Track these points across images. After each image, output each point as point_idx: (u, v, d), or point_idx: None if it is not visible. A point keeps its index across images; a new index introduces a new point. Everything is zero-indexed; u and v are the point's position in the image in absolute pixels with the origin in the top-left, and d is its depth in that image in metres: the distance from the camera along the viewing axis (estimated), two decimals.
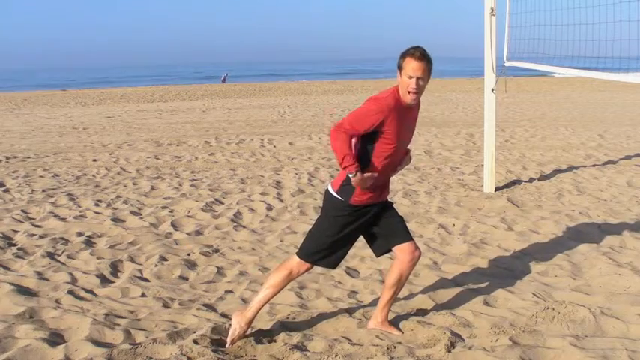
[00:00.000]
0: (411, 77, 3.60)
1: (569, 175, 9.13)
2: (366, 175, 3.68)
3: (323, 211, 3.97)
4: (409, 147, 4.01)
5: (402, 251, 3.93)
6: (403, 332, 4.07)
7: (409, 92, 3.63)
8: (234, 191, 8.50)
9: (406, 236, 3.94)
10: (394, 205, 4.14)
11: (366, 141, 3.73)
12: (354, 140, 3.72)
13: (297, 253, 3.95)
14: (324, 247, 3.89)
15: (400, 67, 3.66)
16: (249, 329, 4.03)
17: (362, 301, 4.62)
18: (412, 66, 3.59)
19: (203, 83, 49.40)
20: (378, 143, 3.72)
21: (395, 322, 4.18)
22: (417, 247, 3.95)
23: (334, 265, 4.01)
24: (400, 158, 3.91)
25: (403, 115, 3.71)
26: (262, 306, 4.02)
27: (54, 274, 5.29)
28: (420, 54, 3.60)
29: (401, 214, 7.04)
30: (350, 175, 3.66)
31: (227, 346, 3.89)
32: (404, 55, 3.65)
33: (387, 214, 3.98)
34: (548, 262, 5.37)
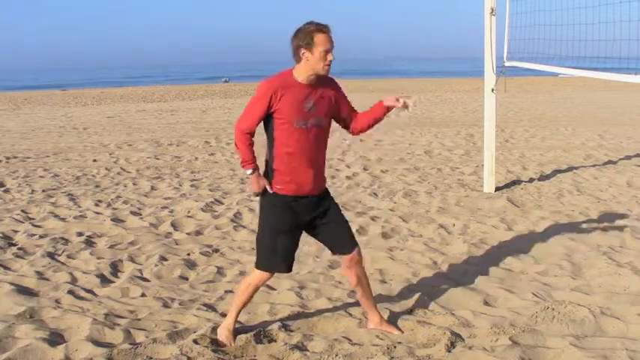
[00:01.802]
0: (327, 51, 3.59)
1: (569, 175, 9.12)
2: (257, 178, 3.72)
3: (259, 213, 3.97)
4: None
5: (343, 259, 4.00)
6: (403, 332, 4.07)
7: (327, 65, 3.63)
8: (234, 191, 8.50)
9: (343, 246, 3.92)
10: (332, 206, 3.94)
11: (268, 128, 3.76)
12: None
13: (255, 266, 3.92)
14: (265, 248, 3.85)
15: (309, 45, 3.59)
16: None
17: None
18: (325, 39, 3.59)
19: (203, 83, 49.40)
20: (276, 129, 3.71)
21: (394, 322, 4.18)
22: (353, 254, 3.91)
23: (284, 267, 3.89)
24: (317, 141, 3.76)
25: (299, 92, 3.66)
26: (237, 314, 4.01)
27: (54, 274, 5.28)
28: (325, 27, 3.61)
29: (400, 214, 7.11)
30: (247, 173, 3.73)
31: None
32: (310, 33, 3.58)
33: (324, 219, 3.87)
34: (548, 262, 5.37)
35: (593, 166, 9.84)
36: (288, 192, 3.76)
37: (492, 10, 7.76)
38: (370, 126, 4.02)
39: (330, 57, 3.61)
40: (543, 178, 9.01)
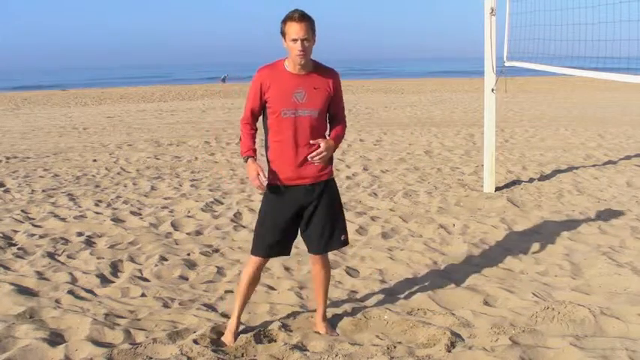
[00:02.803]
0: (295, 40, 3.57)
1: (569, 175, 9.13)
2: (251, 165, 3.71)
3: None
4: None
5: (312, 261, 4.06)
6: (338, 334, 4.10)
7: (297, 55, 3.61)
8: (234, 191, 8.50)
9: (309, 244, 3.96)
10: (325, 203, 3.90)
11: (263, 118, 3.84)
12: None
13: (250, 252, 4.01)
14: (258, 233, 3.91)
15: (283, 33, 3.63)
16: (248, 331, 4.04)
17: (362, 301, 4.62)
18: (294, 29, 3.56)
19: (203, 83, 49.41)
20: (268, 118, 3.78)
21: (390, 322, 4.18)
22: (314, 256, 3.97)
23: (264, 251, 3.90)
24: (309, 131, 3.74)
25: (287, 82, 3.68)
26: (241, 309, 4.05)
27: (54, 274, 5.28)
28: (300, 15, 3.56)
29: (400, 214, 7.10)
30: (245, 158, 3.78)
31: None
32: (284, 20, 3.60)
33: (312, 214, 3.87)
34: (548, 262, 5.37)
35: (593, 166, 9.84)
36: (280, 181, 3.80)
37: (492, 10, 7.76)
38: None
39: (297, 46, 3.56)
40: (543, 178, 9.01)
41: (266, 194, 3.89)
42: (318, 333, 4.09)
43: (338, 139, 3.91)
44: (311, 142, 3.74)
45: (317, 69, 3.77)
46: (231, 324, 4.02)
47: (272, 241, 3.88)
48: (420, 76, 58.18)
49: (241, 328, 4.15)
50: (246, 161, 3.77)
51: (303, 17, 3.56)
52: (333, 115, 3.91)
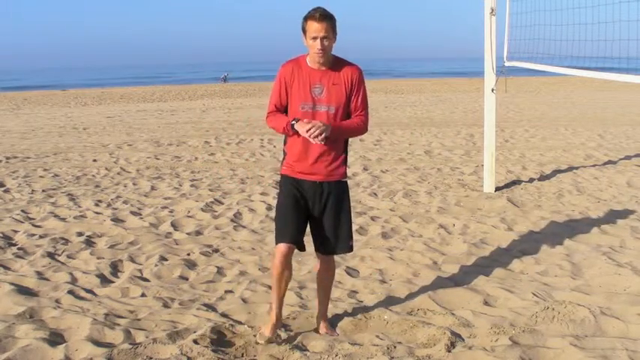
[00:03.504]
0: (315, 38, 3.62)
1: (569, 175, 9.13)
2: (300, 123, 3.67)
3: None
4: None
5: (319, 262, 4.08)
6: (338, 334, 4.09)
7: (316, 53, 3.66)
8: (234, 191, 8.50)
9: (318, 245, 3.97)
10: (336, 205, 3.90)
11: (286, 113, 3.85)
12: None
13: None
14: (277, 222, 3.91)
15: (304, 30, 3.67)
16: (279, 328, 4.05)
17: (362, 301, 4.62)
18: (314, 28, 3.61)
19: (203, 83, 49.39)
20: (289, 111, 3.82)
21: (390, 322, 4.18)
22: (321, 260, 4.02)
23: (288, 238, 3.80)
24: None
25: (307, 76, 3.74)
26: (279, 303, 3.95)
27: (54, 274, 5.28)
28: (320, 15, 3.60)
29: (400, 214, 7.10)
30: (292, 124, 3.70)
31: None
32: (305, 18, 3.65)
33: (320, 214, 3.88)
34: (548, 262, 5.37)
35: (593, 166, 9.84)
36: (293, 174, 3.85)
37: (492, 10, 7.76)
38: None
39: (317, 44, 3.62)
40: (543, 178, 9.01)
41: (281, 185, 3.95)
42: (318, 333, 4.09)
43: (349, 126, 3.81)
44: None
45: (338, 64, 3.79)
46: (271, 318, 3.95)
47: (291, 227, 3.83)
48: (420, 76, 58.20)
49: (241, 328, 4.15)
50: (293, 127, 3.70)
51: (324, 17, 3.61)
52: (351, 111, 3.85)
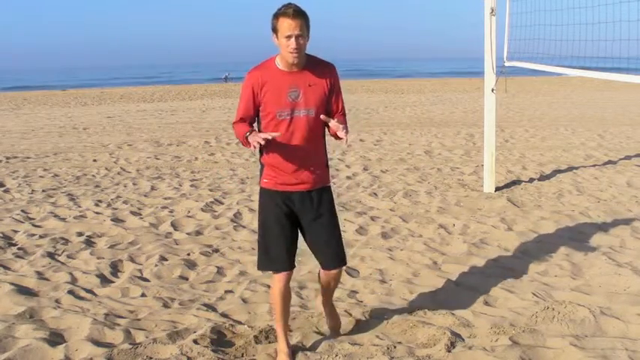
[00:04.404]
0: (289, 37, 3.31)
1: (569, 175, 9.12)
2: (254, 135, 3.38)
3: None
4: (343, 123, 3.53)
5: (324, 275, 3.83)
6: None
7: (290, 53, 3.36)
8: (234, 191, 8.50)
9: (322, 261, 3.72)
10: (326, 213, 3.67)
11: (257, 121, 3.59)
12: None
13: (257, 267, 3.79)
14: (261, 248, 3.67)
15: (275, 29, 3.36)
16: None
17: (362, 301, 4.62)
18: (288, 25, 3.30)
19: (203, 83, 49.39)
20: (262, 121, 3.54)
21: (390, 322, 4.18)
22: (328, 271, 3.75)
23: (278, 265, 3.62)
24: (306, 133, 3.51)
25: (280, 81, 3.45)
26: (282, 331, 3.77)
27: (54, 274, 5.28)
28: (294, 11, 3.30)
29: (400, 214, 7.10)
30: (246, 135, 3.43)
31: None
32: (276, 16, 3.34)
33: (314, 224, 3.64)
34: (548, 262, 5.37)
35: (593, 166, 9.84)
36: (276, 187, 3.59)
37: (492, 10, 7.76)
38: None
39: (291, 43, 3.32)
40: (543, 178, 9.01)
41: (262, 202, 3.67)
42: (320, 334, 4.00)
43: (344, 122, 3.57)
44: (331, 123, 3.42)
45: (311, 64, 3.51)
46: (283, 347, 3.74)
47: (285, 255, 3.60)
48: (420, 76, 58.21)
49: (241, 328, 4.15)
50: (248, 136, 3.41)
51: (298, 13, 3.30)
52: (332, 112, 3.60)
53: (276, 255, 3.62)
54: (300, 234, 3.73)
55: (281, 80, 3.46)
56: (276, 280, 3.66)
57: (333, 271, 3.76)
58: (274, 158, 3.56)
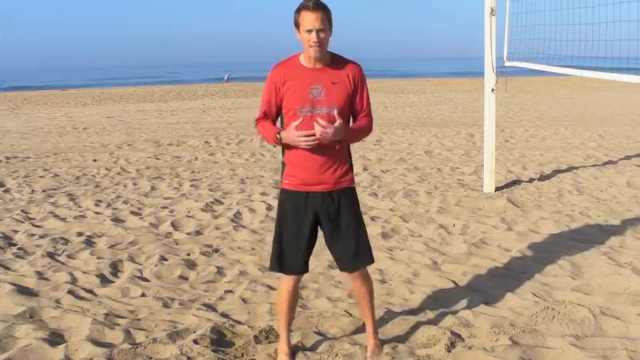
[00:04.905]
0: (310, 31, 3.29)
1: (569, 175, 9.13)
2: (287, 130, 3.38)
3: None
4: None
5: (350, 279, 3.75)
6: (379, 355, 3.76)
7: (311, 47, 3.33)
8: (234, 191, 8.50)
9: (342, 263, 3.64)
10: (347, 214, 3.57)
11: (281, 120, 3.56)
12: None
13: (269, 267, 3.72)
14: (274, 248, 3.61)
15: (297, 24, 3.35)
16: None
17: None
18: (309, 18, 3.28)
19: (203, 83, 49.39)
20: (284, 117, 3.51)
21: (390, 322, 4.18)
22: (359, 279, 3.67)
23: (290, 267, 3.59)
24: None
25: (303, 77, 3.42)
26: (285, 331, 3.77)
27: (54, 274, 5.28)
28: (315, 4, 3.27)
29: (400, 214, 7.09)
30: (278, 137, 3.43)
31: None
32: (298, 10, 3.33)
33: (333, 225, 3.55)
34: (548, 262, 5.37)
35: (593, 166, 9.84)
36: (296, 187, 3.52)
37: (492, 10, 7.76)
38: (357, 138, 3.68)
39: (312, 37, 3.28)
40: (543, 178, 9.01)
41: (281, 202, 3.60)
42: (365, 349, 3.79)
43: (359, 128, 3.54)
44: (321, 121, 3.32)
45: (335, 62, 3.46)
46: (284, 348, 3.74)
47: (297, 257, 3.56)
48: (420, 76, 58.19)
49: (241, 328, 4.15)
50: (279, 138, 3.41)
51: (319, 6, 3.29)
52: (356, 112, 3.55)
53: (289, 257, 3.58)
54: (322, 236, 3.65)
55: (304, 76, 3.43)
56: (285, 280, 3.65)
57: (353, 274, 3.66)
58: (294, 156, 3.50)
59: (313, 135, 3.32)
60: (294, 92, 3.42)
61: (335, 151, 3.49)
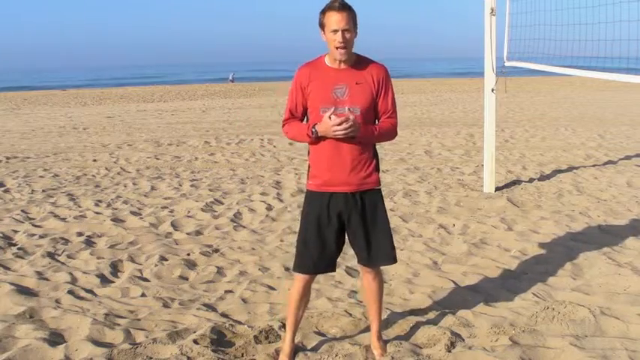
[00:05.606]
0: (335, 31, 3.30)
1: (569, 175, 9.13)
2: (321, 122, 3.37)
3: None
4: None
5: (362, 272, 3.79)
6: (383, 355, 3.77)
7: (337, 48, 3.34)
8: (234, 191, 8.50)
9: (360, 258, 3.65)
10: (372, 213, 3.58)
11: (307, 120, 3.57)
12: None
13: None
14: (299, 248, 3.61)
15: (322, 25, 3.37)
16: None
17: (362, 301, 4.61)
18: (334, 19, 3.29)
19: (203, 83, 49.38)
20: (309, 116, 3.52)
21: (390, 322, 4.18)
22: (370, 274, 3.69)
23: (312, 268, 3.60)
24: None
25: (327, 77, 3.43)
26: (291, 331, 3.76)
27: (54, 274, 5.28)
28: (340, 4, 3.29)
29: (400, 214, 7.09)
30: (313, 131, 3.41)
31: None
32: (323, 11, 3.35)
33: (354, 225, 3.54)
34: (548, 262, 5.37)
35: (593, 166, 9.84)
36: (319, 188, 3.52)
37: (492, 10, 7.76)
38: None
39: (338, 37, 3.29)
40: (543, 178, 9.01)
41: (306, 203, 3.60)
42: (372, 352, 3.79)
43: (382, 129, 3.51)
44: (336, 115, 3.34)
45: (360, 62, 3.47)
46: (285, 347, 3.74)
47: (316, 256, 3.54)
48: (420, 76, 58.20)
49: (241, 328, 4.15)
50: (315, 131, 3.40)
51: (344, 6, 3.30)
52: (381, 113, 3.54)
53: (305, 256, 3.58)
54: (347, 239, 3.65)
55: (328, 76, 3.44)
56: (298, 278, 3.65)
57: (365, 267, 3.67)
58: (319, 157, 3.50)
59: (347, 120, 3.30)
60: (317, 92, 3.44)
61: (358, 151, 3.48)
